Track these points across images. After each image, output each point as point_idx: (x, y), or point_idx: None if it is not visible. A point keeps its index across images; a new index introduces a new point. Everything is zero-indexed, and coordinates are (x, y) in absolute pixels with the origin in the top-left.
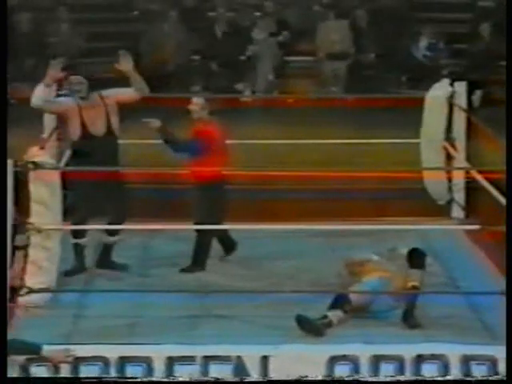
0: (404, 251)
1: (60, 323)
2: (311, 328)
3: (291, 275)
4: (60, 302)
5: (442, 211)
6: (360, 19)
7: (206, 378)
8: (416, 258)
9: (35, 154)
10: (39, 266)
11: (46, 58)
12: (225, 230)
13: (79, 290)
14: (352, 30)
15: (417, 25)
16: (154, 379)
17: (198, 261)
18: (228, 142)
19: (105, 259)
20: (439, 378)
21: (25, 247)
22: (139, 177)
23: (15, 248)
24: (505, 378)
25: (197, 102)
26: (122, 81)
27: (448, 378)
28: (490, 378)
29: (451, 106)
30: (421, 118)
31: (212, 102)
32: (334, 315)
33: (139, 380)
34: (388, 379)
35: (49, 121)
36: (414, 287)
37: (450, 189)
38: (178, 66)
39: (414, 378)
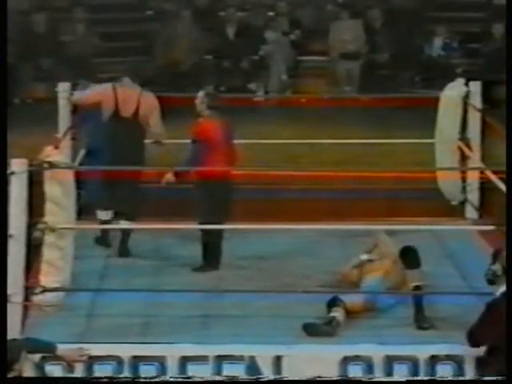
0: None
1: (74, 322)
2: (320, 333)
3: (305, 275)
4: (74, 301)
5: (455, 211)
6: (374, 19)
7: (218, 377)
8: (409, 257)
9: (50, 153)
10: (53, 265)
11: (62, 58)
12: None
13: (93, 289)
14: (366, 29)
15: (431, 24)
16: (165, 379)
17: (210, 261)
18: (241, 141)
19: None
20: (442, 379)
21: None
22: (146, 176)
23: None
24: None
25: (198, 96)
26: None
27: (449, 378)
28: (491, 378)
29: (466, 106)
30: (435, 117)
31: (213, 98)
32: (338, 314)
33: (151, 380)
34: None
35: (64, 120)
36: (416, 288)
37: (463, 189)
38: (191, 65)
39: (419, 378)
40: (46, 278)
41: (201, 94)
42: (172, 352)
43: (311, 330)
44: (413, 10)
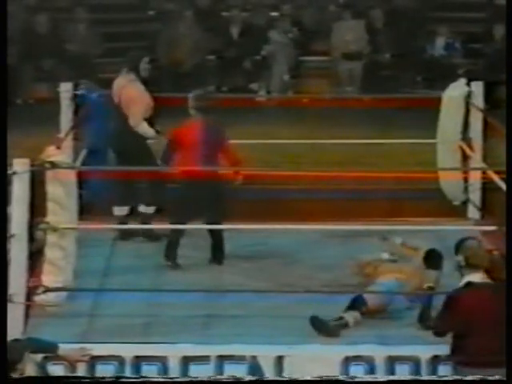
0: (397, 240)
1: (76, 322)
2: (325, 329)
3: (307, 275)
4: (76, 300)
5: (457, 212)
6: (375, 19)
7: (220, 377)
8: (433, 258)
9: (52, 153)
10: (55, 264)
11: (64, 58)
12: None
13: (95, 289)
14: (367, 29)
15: (433, 24)
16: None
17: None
18: (243, 141)
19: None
20: (442, 379)
21: None
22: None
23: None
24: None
25: (188, 97)
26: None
27: (445, 378)
28: (490, 378)
29: (467, 106)
30: (437, 118)
31: (198, 99)
32: (351, 316)
33: (153, 380)
34: (385, 379)
35: (66, 120)
36: (429, 288)
37: (465, 189)
38: (193, 65)
39: (412, 378)
40: (48, 277)
41: (190, 95)
42: (174, 352)
43: (317, 325)
44: (415, 10)
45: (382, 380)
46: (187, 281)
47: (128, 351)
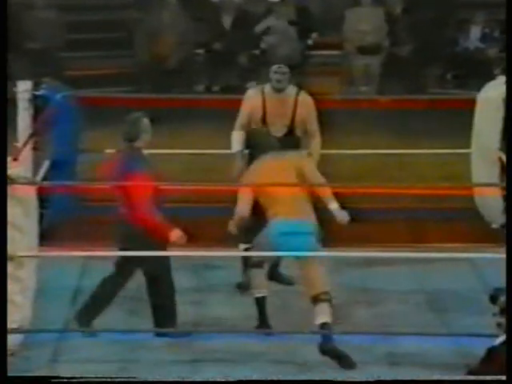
0: None
1: (35, 369)
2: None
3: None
4: (36, 342)
5: (496, 236)
6: (396, 5)
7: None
8: None
9: (8, 166)
10: (10, 300)
11: (22, 52)
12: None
13: (58, 330)
14: (387, 17)
15: (466, 10)
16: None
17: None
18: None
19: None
20: (442, 378)
21: None
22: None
23: None
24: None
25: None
26: (116, 77)
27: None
28: (490, 378)
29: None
30: (471, 123)
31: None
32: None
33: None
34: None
35: (24, 126)
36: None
37: (505, 209)
38: (180, 61)
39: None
40: None
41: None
42: None
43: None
44: None
45: (381, 380)
46: None
47: None
